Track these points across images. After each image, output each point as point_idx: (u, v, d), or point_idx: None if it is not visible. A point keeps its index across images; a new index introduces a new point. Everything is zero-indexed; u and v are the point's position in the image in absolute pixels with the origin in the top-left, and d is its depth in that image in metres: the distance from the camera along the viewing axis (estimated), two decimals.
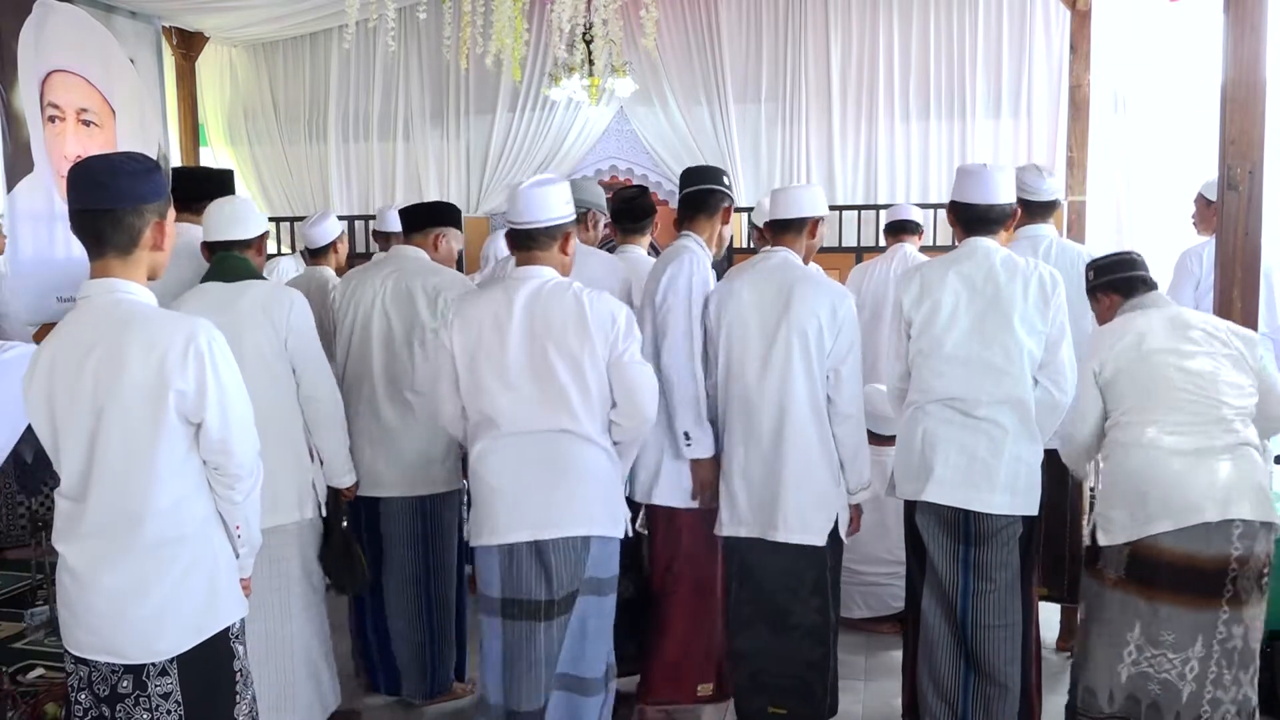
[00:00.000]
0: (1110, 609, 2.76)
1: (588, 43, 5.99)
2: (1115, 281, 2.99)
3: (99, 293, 2.08)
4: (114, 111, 6.31)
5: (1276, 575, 2.80)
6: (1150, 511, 2.67)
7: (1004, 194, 3.01)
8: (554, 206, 2.75)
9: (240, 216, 3.20)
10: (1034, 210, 3.68)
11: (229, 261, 3.13)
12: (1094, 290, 3.06)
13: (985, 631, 2.96)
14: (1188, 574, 2.65)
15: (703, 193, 3.31)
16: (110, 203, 2.05)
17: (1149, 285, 2.96)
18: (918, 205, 5.78)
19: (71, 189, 2.07)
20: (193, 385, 2.04)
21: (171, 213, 2.15)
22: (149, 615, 2.07)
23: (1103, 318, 3.02)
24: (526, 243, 2.77)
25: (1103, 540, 2.77)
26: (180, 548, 2.10)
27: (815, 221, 3.15)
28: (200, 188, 3.63)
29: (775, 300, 3.05)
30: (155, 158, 6.60)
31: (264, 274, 3.34)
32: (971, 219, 3.02)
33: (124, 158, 2.14)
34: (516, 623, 2.77)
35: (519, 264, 2.81)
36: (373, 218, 6.33)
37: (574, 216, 2.83)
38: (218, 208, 3.23)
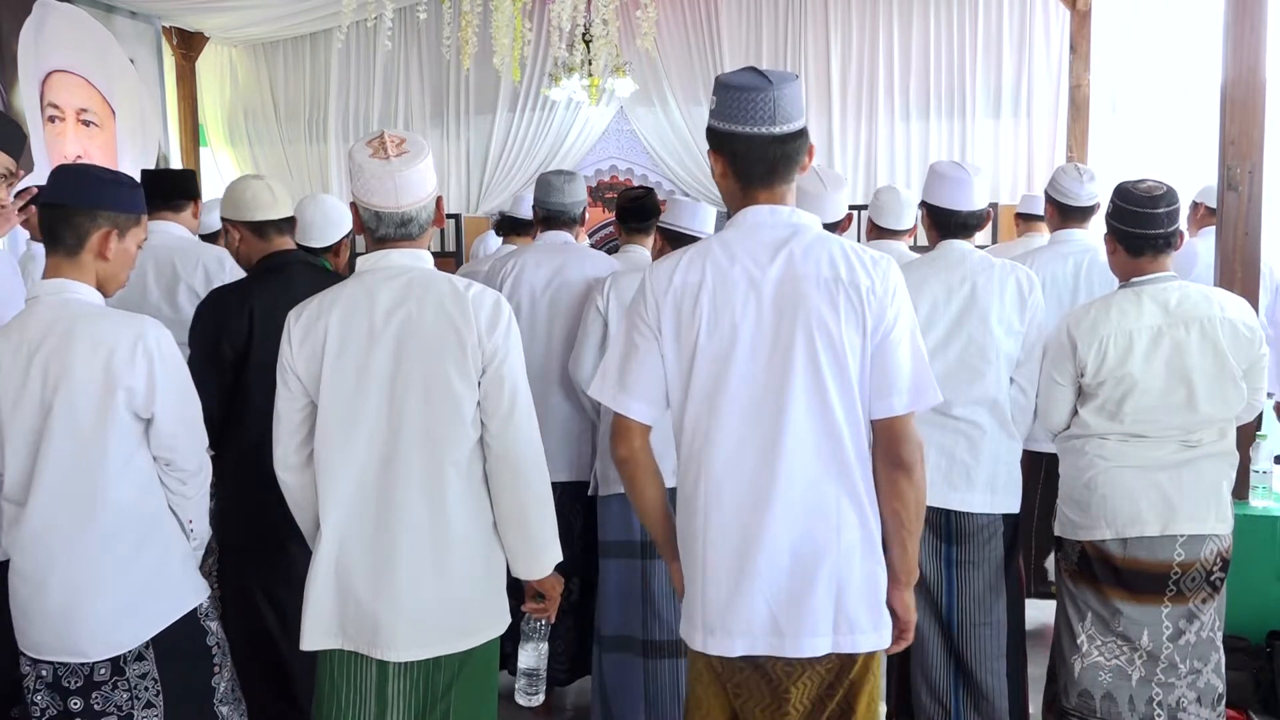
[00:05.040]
0: (1066, 599, 2.81)
1: (587, 43, 6.00)
2: (1125, 236, 2.68)
3: (49, 293, 2.09)
4: (114, 111, 6.32)
5: (1277, 575, 2.80)
6: (1093, 517, 2.71)
7: (983, 198, 3.00)
8: (707, 223, 3.09)
9: (318, 225, 3.40)
10: (1069, 215, 3.54)
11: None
12: (1109, 225, 2.73)
13: (971, 630, 2.97)
14: (1130, 574, 2.69)
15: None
16: (66, 199, 2.08)
17: (1160, 248, 2.67)
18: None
19: (45, 186, 2.13)
20: (142, 382, 2.05)
21: (136, 231, 2.14)
22: (107, 611, 2.08)
23: (1109, 257, 2.78)
24: (679, 245, 2.99)
25: (1057, 532, 2.84)
26: (135, 543, 2.10)
27: (849, 219, 3.11)
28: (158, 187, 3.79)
29: None
30: (155, 157, 6.66)
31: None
32: (951, 224, 2.97)
33: (103, 169, 2.19)
34: (627, 561, 3.08)
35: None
36: None
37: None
38: (301, 210, 3.43)
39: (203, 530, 2.27)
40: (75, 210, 2.07)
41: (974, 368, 2.89)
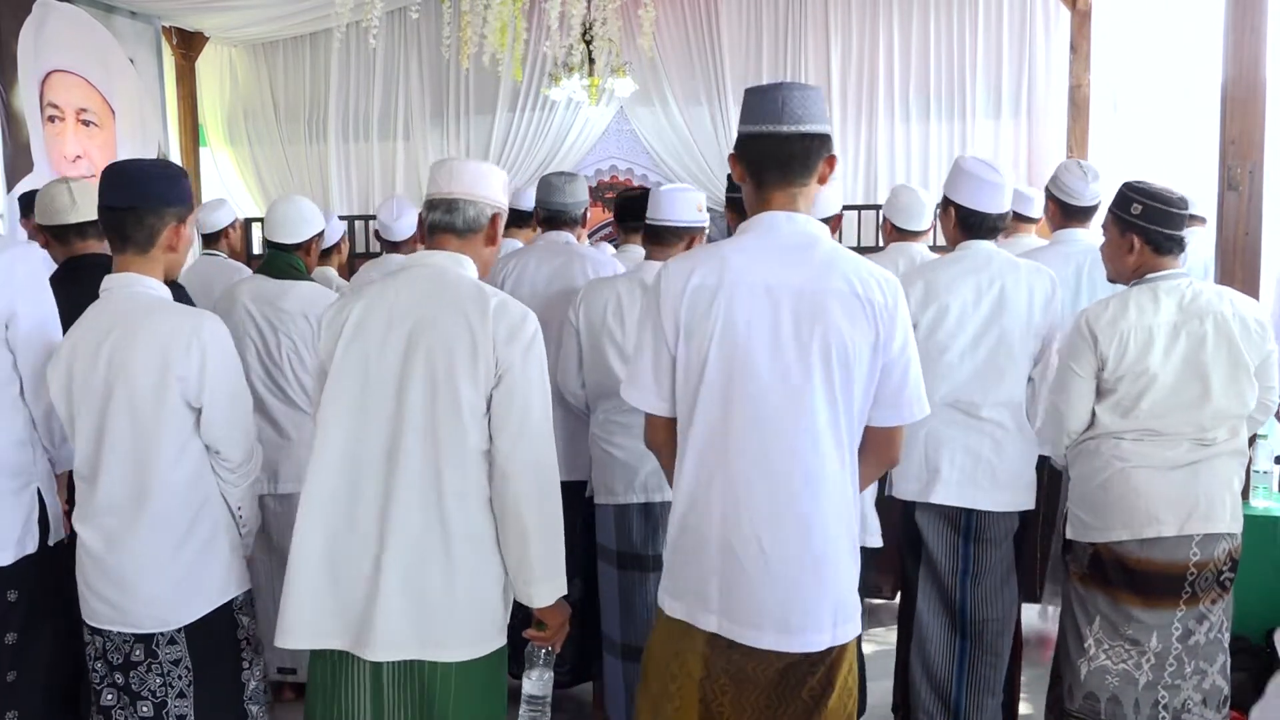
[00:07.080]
0: (1075, 602, 2.81)
1: (587, 43, 5.99)
2: (1158, 236, 2.68)
3: (118, 286, 2.24)
4: (114, 111, 6.32)
5: (1275, 574, 2.80)
6: (1109, 519, 2.70)
7: (1010, 201, 3.02)
8: (684, 210, 3.01)
9: (290, 221, 3.49)
10: (1071, 214, 3.52)
11: (276, 260, 3.49)
12: (1126, 222, 2.70)
13: (982, 624, 3.00)
14: (1145, 577, 2.68)
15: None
16: (133, 201, 2.21)
17: (1183, 247, 2.72)
18: None
19: (102, 187, 2.24)
20: (194, 372, 2.19)
21: (192, 217, 2.32)
22: (161, 586, 2.21)
23: (1119, 257, 2.75)
24: (661, 238, 3.03)
25: (1069, 535, 2.83)
26: (188, 525, 2.24)
27: (839, 217, 3.12)
28: None
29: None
30: (155, 157, 6.66)
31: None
32: (982, 226, 2.96)
33: (153, 163, 2.36)
34: (628, 572, 3.08)
35: (651, 258, 3.07)
36: (373, 217, 6.29)
37: (701, 224, 3.04)
38: (274, 208, 3.53)
39: (252, 519, 2.39)
40: (144, 211, 2.21)
41: (1001, 369, 2.90)
